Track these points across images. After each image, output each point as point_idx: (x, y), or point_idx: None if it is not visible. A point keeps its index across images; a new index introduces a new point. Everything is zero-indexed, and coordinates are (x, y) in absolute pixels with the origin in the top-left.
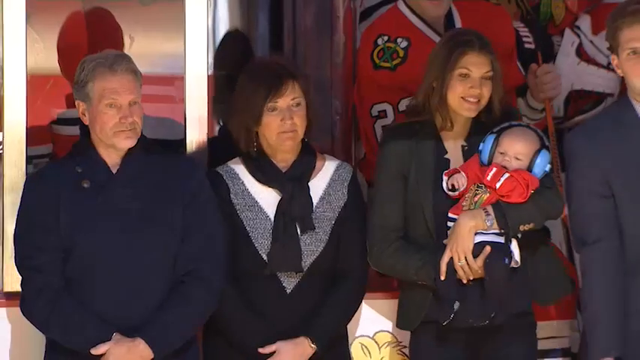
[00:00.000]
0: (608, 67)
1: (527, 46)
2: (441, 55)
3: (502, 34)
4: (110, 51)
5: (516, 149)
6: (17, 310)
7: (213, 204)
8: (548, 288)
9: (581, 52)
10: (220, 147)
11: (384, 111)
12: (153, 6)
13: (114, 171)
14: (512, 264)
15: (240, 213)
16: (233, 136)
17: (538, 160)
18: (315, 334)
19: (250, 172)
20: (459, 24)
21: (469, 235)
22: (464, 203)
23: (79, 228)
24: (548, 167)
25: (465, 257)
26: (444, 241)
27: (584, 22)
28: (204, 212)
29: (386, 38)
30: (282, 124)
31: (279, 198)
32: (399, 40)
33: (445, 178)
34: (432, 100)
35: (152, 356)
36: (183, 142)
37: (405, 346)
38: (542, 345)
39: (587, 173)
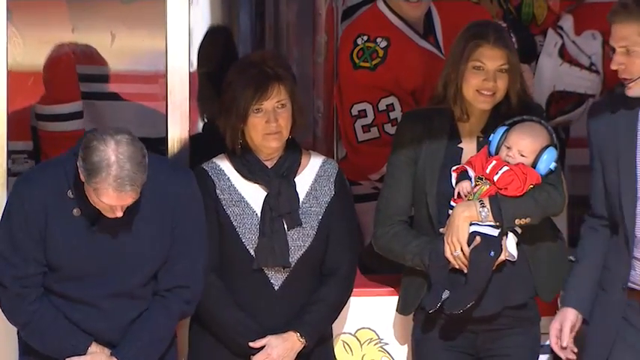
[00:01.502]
0: (590, 68)
1: None
2: (457, 46)
3: None
4: (126, 150)
5: (521, 146)
6: None
7: (201, 219)
8: (550, 285)
9: (563, 53)
10: (203, 144)
11: (364, 110)
12: (134, 4)
13: None
14: (509, 257)
15: (226, 208)
16: (220, 131)
17: (544, 157)
18: (304, 329)
19: (236, 169)
20: (438, 24)
21: (463, 225)
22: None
23: (64, 249)
24: (553, 165)
25: (461, 247)
26: (441, 230)
27: (567, 22)
28: (191, 232)
29: (365, 38)
30: (267, 126)
31: (265, 194)
32: (378, 39)
33: (454, 174)
34: (449, 91)
35: None
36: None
37: (387, 343)
38: None
39: (590, 150)
